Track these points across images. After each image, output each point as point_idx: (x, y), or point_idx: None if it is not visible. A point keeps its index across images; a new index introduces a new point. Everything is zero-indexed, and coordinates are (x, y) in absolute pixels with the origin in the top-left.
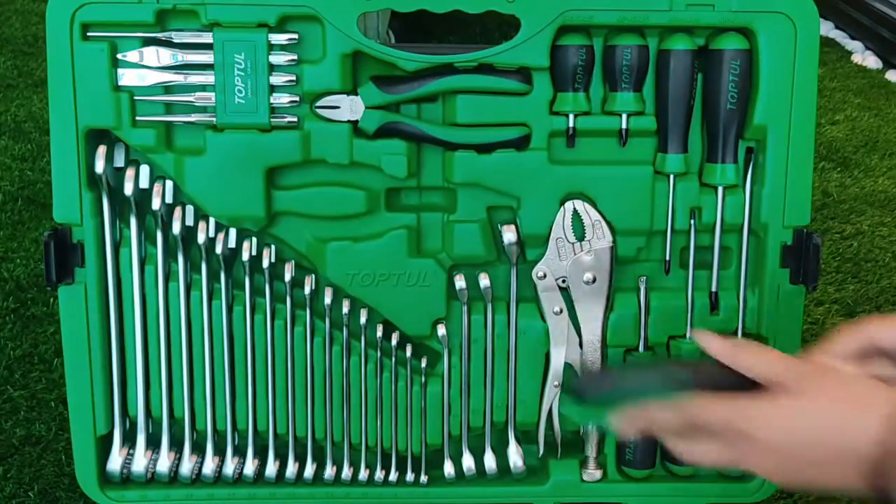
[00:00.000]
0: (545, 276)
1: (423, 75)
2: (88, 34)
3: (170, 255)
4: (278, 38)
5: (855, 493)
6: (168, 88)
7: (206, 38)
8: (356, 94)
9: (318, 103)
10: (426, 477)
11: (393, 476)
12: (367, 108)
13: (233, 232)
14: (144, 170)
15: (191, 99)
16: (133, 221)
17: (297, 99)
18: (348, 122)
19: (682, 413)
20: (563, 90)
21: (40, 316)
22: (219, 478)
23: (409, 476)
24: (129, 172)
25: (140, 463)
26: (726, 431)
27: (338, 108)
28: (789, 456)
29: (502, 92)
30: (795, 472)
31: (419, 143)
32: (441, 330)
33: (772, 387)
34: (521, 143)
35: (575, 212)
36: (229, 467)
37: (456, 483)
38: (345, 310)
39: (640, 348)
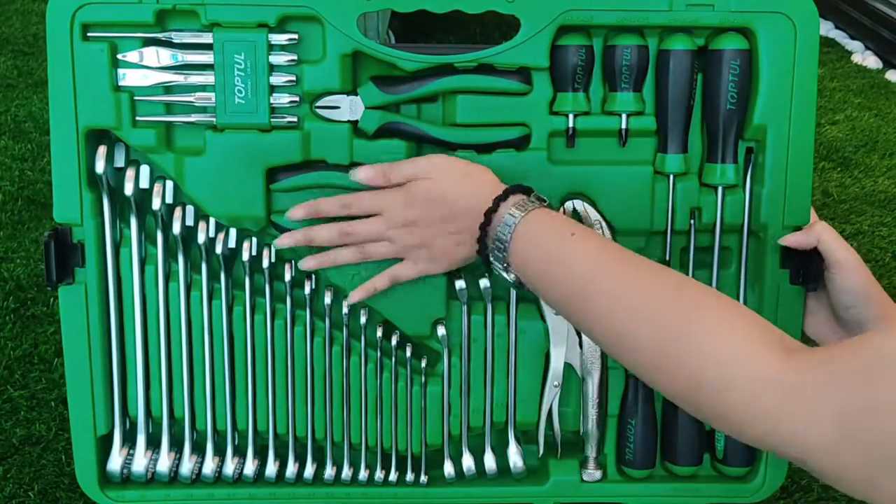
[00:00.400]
0: None
1: (423, 75)
2: (88, 34)
3: (170, 255)
4: (278, 39)
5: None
6: (168, 88)
7: (206, 38)
8: (356, 94)
9: (317, 103)
10: (426, 477)
11: (393, 476)
12: (367, 108)
13: (233, 232)
14: (144, 170)
15: (191, 99)
16: (133, 221)
17: (297, 99)
18: (348, 122)
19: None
20: (562, 90)
21: (40, 316)
22: (219, 478)
23: (409, 476)
24: (129, 172)
25: (140, 463)
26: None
27: (338, 108)
28: (430, 198)
29: (502, 92)
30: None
31: (419, 143)
32: (441, 330)
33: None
34: (521, 144)
35: (575, 212)
36: (229, 467)
37: (456, 483)
38: (345, 310)
39: None
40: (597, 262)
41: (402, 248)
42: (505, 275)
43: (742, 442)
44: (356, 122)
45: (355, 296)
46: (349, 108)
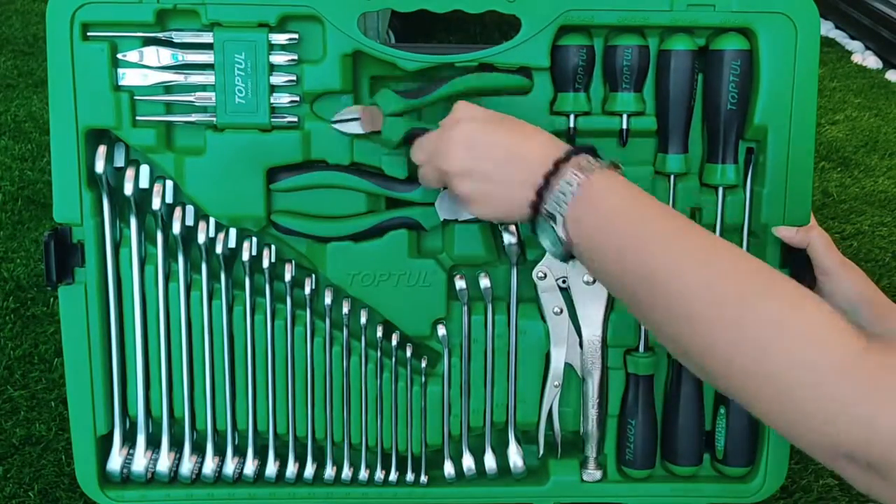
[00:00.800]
0: (545, 276)
1: (432, 76)
2: (88, 34)
3: (170, 255)
4: (278, 38)
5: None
6: (168, 88)
7: (207, 38)
8: (357, 94)
9: (332, 120)
10: (426, 477)
11: (393, 476)
12: (387, 115)
13: (233, 232)
14: (144, 170)
15: (191, 99)
16: (133, 221)
17: (297, 99)
18: (371, 133)
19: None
20: (563, 90)
21: (40, 316)
22: (219, 478)
23: (409, 476)
24: (129, 172)
25: (140, 463)
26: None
27: (356, 119)
28: (476, 147)
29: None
30: (482, 171)
31: None
32: (441, 330)
33: None
34: None
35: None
36: (229, 467)
37: (456, 483)
38: (345, 310)
39: (640, 348)
40: (666, 241)
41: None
42: (551, 238)
43: (793, 440)
44: (376, 132)
45: None
46: (370, 119)
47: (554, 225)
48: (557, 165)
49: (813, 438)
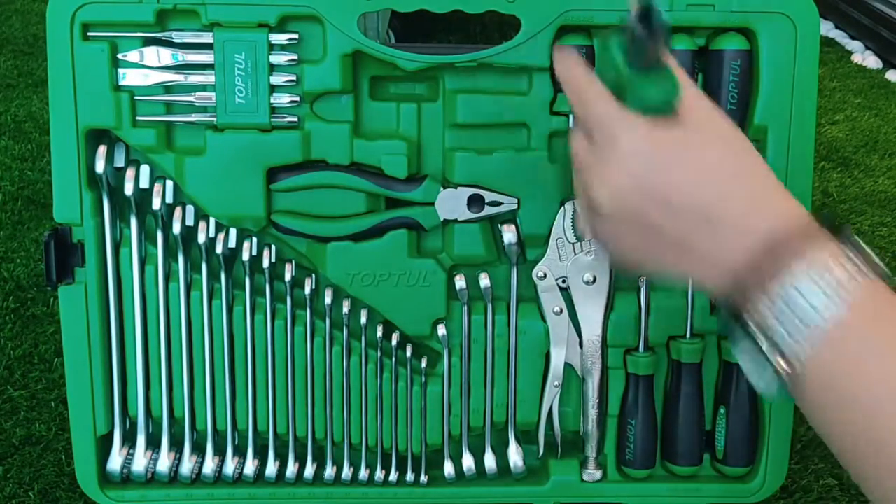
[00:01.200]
0: (545, 276)
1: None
2: (89, 34)
3: (170, 255)
4: (278, 38)
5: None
6: (168, 88)
7: (207, 38)
8: (357, 94)
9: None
10: (426, 477)
11: (393, 476)
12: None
13: (233, 232)
14: (144, 170)
15: (191, 99)
16: (133, 221)
17: (297, 99)
18: None
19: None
20: (563, 90)
21: (40, 316)
22: (219, 478)
23: (409, 476)
24: (130, 172)
25: (140, 463)
26: (598, 127)
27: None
28: (643, 185)
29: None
30: (638, 211)
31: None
32: (441, 330)
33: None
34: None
35: (575, 212)
36: (229, 467)
37: (456, 483)
38: (345, 310)
39: (640, 348)
40: None
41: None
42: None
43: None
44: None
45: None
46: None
47: (766, 350)
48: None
49: None
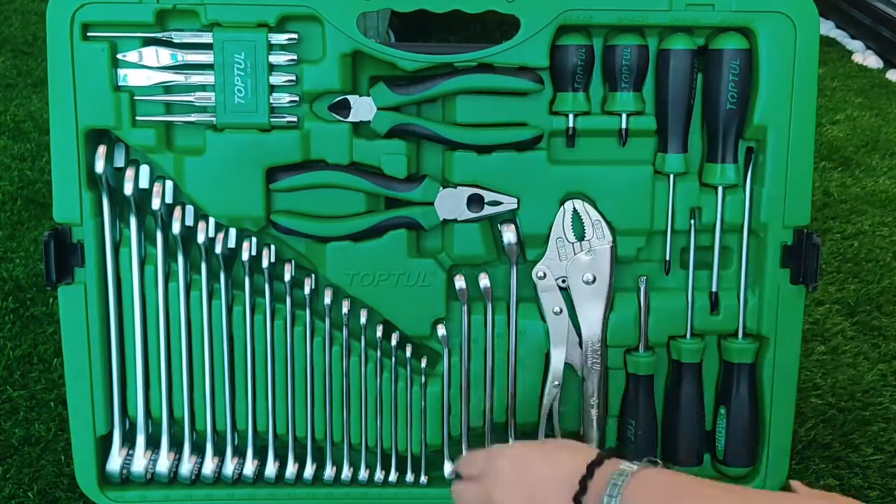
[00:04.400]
0: (545, 276)
1: (429, 75)
2: (88, 34)
3: (170, 255)
4: (278, 38)
5: None
6: (168, 88)
7: (206, 38)
8: (358, 94)
9: (330, 105)
10: (426, 477)
11: (393, 476)
12: (379, 109)
13: (232, 232)
14: (144, 170)
15: (191, 99)
16: (133, 221)
17: (296, 99)
18: (359, 122)
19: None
20: (562, 90)
21: (40, 316)
22: (218, 478)
23: (409, 476)
24: (129, 172)
25: (139, 463)
26: (481, 473)
27: (348, 108)
28: (518, 482)
29: (513, 91)
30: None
31: (431, 142)
32: (441, 330)
33: None
34: (532, 144)
35: (575, 211)
36: (229, 468)
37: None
38: (345, 310)
39: (640, 348)
40: None
41: None
42: None
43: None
44: (364, 122)
45: None
46: (367, 108)
47: None
48: (591, 469)
49: None
